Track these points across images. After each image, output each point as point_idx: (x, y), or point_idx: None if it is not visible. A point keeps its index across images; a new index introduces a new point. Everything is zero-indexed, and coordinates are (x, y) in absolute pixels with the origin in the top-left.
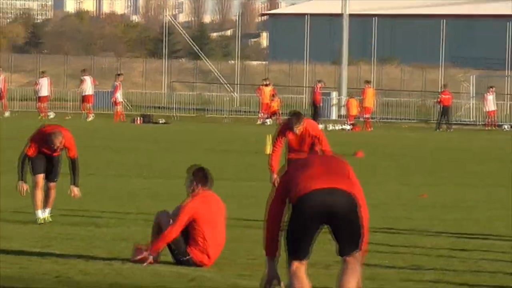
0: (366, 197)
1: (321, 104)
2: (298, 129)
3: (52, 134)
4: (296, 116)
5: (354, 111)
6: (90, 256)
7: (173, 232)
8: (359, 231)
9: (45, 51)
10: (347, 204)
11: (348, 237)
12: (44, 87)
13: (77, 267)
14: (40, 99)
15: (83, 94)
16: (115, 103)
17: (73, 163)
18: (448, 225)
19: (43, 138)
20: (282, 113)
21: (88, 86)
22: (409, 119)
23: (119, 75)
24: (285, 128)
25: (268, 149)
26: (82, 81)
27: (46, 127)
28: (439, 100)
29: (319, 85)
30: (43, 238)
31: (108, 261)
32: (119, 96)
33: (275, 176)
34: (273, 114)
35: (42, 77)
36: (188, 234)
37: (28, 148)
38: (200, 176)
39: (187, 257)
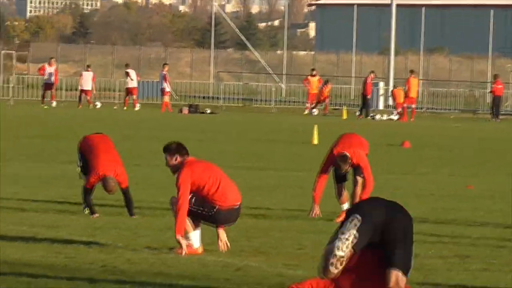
0: (412, 187)
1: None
2: (345, 169)
3: (105, 180)
4: (343, 160)
5: (401, 99)
6: (136, 245)
7: (181, 205)
8: None
9: (92, 42)
10: None
11: None
12: (88, 82)
13: (123, 256)
14: (82, 91)
15: (127, 86)
16: (164, 93)
17: (125, 195)
18: (494, 216)
19: (99, 178)
20: (330, 103)
21: (132, 79)
22: (456, 109)
23: (165, 64)
24: (332, 162)
25: (315, 139)
26: (127, 74)
27: (90, 140)
28: (492, 90)
29: (371, 75)
30: (90, 228)
31: (153, 251)
32: (167, 86)
33: (316, 207)
34: (322, 101)
35: (87, 70)
36: (204, 198)
37: (87, 183)
38: (174, 149)
39: (215, 209)
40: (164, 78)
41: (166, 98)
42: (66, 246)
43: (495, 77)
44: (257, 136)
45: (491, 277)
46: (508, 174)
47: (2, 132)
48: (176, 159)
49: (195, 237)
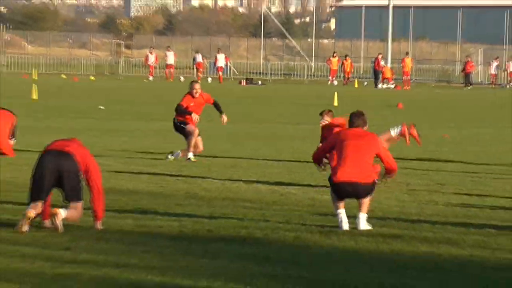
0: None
1: (382, 70)
2: None
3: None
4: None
5: (389, 74)
6: (210, 178)
7: None
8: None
9: (177, 34)
10: None
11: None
12: (170, 57)
13: (201, 185)
14: (167, 66)
15: (196, 62)
16: (218, 69)
17: (215, 104)
18: (463, 155)
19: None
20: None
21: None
22: (435, 80)
23: (219, 49)
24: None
25: (336, 102)
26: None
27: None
28: (465, 67)
29: (380, 56)
30: (178, 166)
31: (222, 181)
32: (223, 65)
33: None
34: (347, 75)
35: (168, 50)
36: None
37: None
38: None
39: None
40: (225, 58)
41: (220, 73)
42: (160, 178)
43: (466, 57)
44: (294, 101)
45: (464, 200)
46: (474, 126)
47: (118, 97)
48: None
49: None
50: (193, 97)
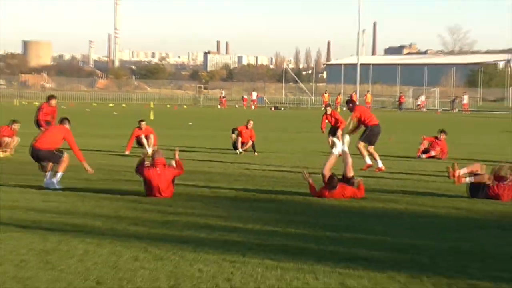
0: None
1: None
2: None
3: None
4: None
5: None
6: (254, 164)
7: None
8: None
9: (234, 81)
10: None
11: None
12: (254, 95)
13: (248, 168)
14: (252, 100)
15: (252, 99)
16: (253, 101)
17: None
18: (404, 150)
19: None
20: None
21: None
22: (384, 106)
23: (253, 91)
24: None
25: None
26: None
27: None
28: (399, 99)
29: (353, 93)
30: (234, 157)
31: (261, 166)
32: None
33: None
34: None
35: (250, 94)
36: None
37: None
38: None
39: None
40: (256, 96)
41: (256, 104)
42: (225, 164)
43: (400, 94)
44: (302, 119)
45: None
46: (411, 134)
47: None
48: None
49: None
50: (247, 128)
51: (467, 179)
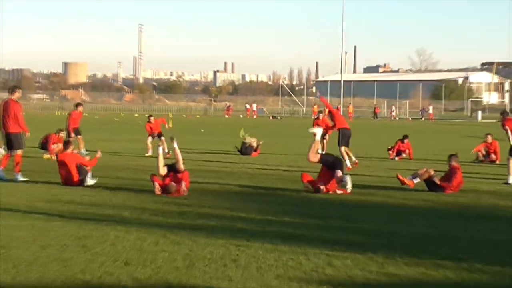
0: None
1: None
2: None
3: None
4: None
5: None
6: (253, 163)
7: None
8: None
9: (239, 95)
10: None
11: None
12: (254, 107)
13: (251, 167)
14: (253, 110)
15: (252, 110)
16: (254, 112)
17: None
18: (376, 151)
19: None
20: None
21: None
22: (362, 116)
23: (253, 103)
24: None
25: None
26: (250, 106)
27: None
28: (375, 109)
29: (338, 106)
30: (238, 158)
31: (262, 165)
32: (257, 110)
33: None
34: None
35: (251, 106)
36: None
37: None
38: None
39: None
40: (256, 107)
41: (256, 114)
42: (228, 163)
43: (375, 105)
44: (296, 127)
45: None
46: (386, 138)
47: (210, 125)
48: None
49: None
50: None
51: (415, 181)
